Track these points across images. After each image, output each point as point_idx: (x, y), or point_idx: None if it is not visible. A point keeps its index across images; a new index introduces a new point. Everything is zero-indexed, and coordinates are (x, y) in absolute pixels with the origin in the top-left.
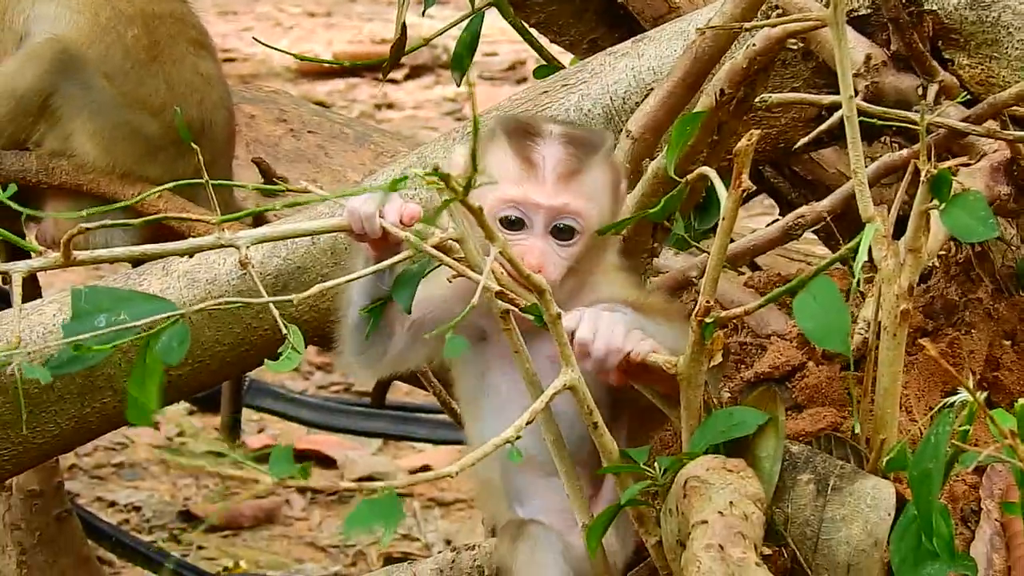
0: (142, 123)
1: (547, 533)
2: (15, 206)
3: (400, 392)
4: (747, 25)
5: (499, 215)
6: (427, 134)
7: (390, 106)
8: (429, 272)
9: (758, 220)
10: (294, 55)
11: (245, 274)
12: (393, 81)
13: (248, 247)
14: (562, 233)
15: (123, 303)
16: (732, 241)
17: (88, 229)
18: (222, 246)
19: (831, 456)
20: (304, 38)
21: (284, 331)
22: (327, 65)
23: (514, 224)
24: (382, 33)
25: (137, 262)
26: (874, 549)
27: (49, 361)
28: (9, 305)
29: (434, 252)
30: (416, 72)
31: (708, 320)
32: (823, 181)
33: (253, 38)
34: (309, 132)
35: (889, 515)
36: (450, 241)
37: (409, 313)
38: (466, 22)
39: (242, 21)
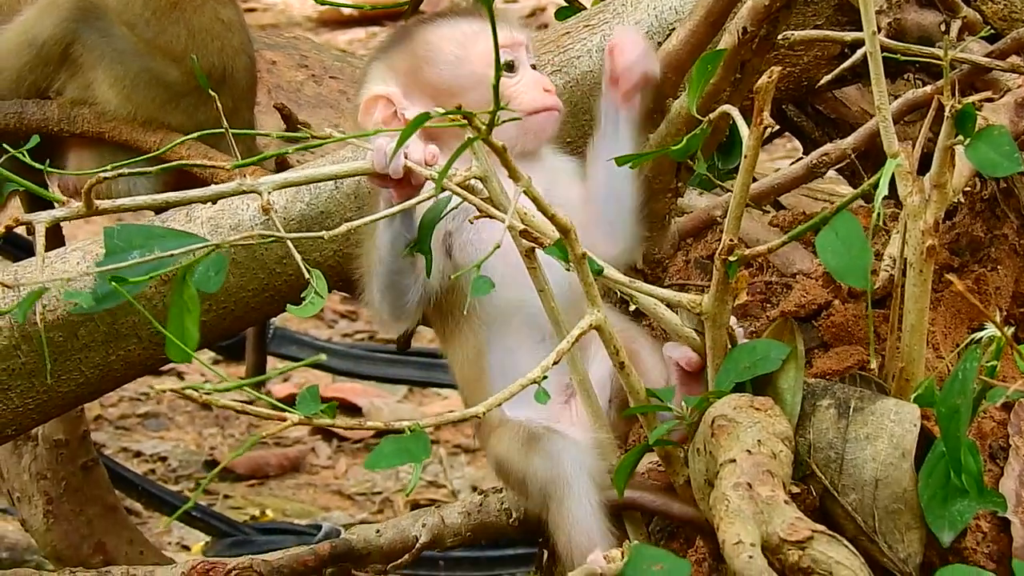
0: (163, 70)
1: (565, 444)
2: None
3: (424, 339)
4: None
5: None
6: None
7: None
8: (447, 213)
9: (781, 163)
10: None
11: (268, 219)
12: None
13: (270, 192)
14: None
15: (155, 239)
16: (755, 180)
17: (107, 178)
18: (244, 192)
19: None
20: None
21: (307, 275)
22: (348, 13)
23: (511, 68)
24: None
25: (160, 209)
26: (902, 460)
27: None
28: (32, 254)
29: (458, 190)
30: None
31: (732, 258)
32: (846, 119)
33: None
34: (331, 78)
35: (915, 426)
36: (474, 180)
37: (428, 256)
38: None
39: None
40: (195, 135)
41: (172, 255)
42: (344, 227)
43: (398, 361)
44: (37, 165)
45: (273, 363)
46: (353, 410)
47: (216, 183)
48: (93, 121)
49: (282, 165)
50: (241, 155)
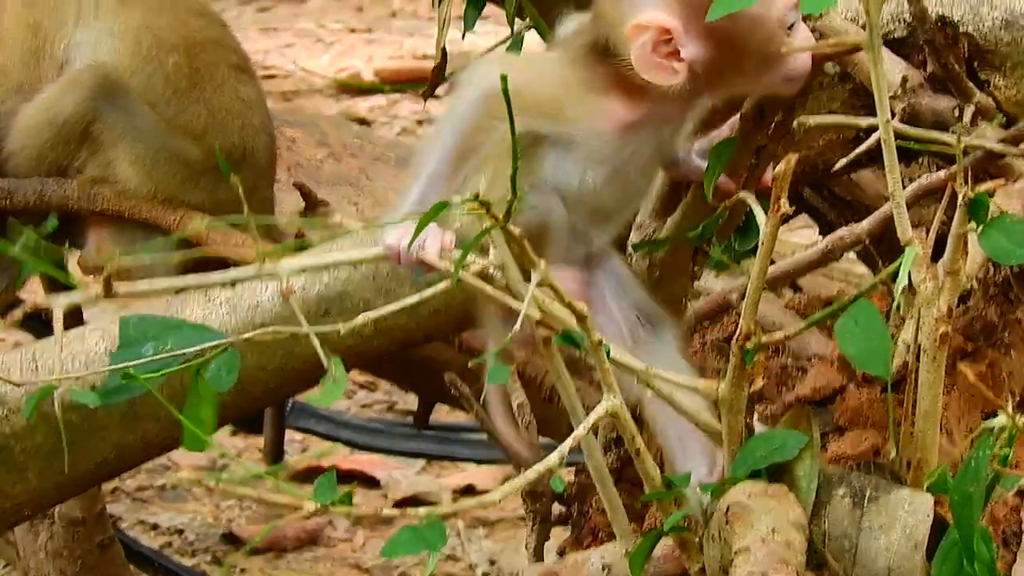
0: (184, 149)
1: None
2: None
3: (442, 412)
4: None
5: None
6: None
7: (431, 122)
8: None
9: (800, 233)
10: (338, 81)
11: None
12: (434, 97)
13: (289, 277)
14: None
15: (170, 332)
16: (773, 262)
17: (128, 264)
18: (263, 277)
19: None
20: (345, 53)
21: (325, 363)
22: (368, 80)
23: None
24: (423, 48)
25: (179, 291)
26: (914, 552)
27: (98, 389)
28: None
29: (475, 281)
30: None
31: (749, 345)
32: (862, 201)
33: (299, 68)
34: (350, 155)
35: (928, 517)
36: (492, 269)
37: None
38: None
39: (283, 38)
40: (214, 222)
41: (184, 353)
42: (361, 319)
43: (416, 435)
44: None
45: (291, 436)
46: (371, 482)
47: (235, 260)
48: (113, 199)
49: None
50: (260, 233)
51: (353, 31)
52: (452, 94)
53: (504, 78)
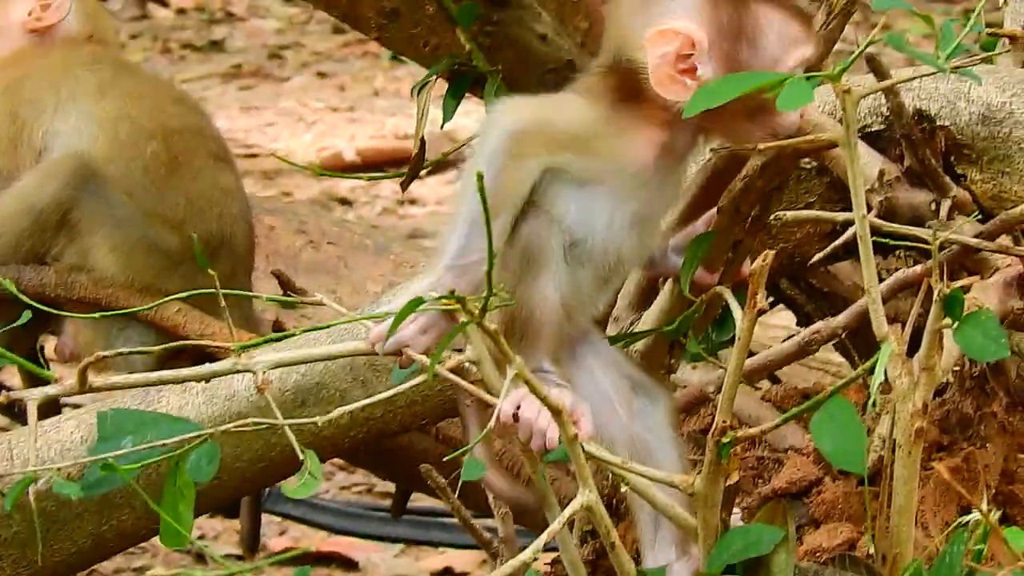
0: (161, 237)
1: None
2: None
3: (420, 498)
4: (761, 146)
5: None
6: None
7: (412, 202)
8: None
9: (779, 315)
10: (316, 171)
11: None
12: (423, 169)
13: (266, 372)
14: None
15: (148, 425)
16: (750, 355)
17: (105, 357)
18: (239, 371)
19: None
20: (327, 132)
21: (301, 456)
22: (350, 159)
23: None
24: (405, 128)
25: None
26: None
27: (75, 479)
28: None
29: (451, 376)
30: (439, 167)
31: (725, 440)
32: (839, 293)
33: (273, 155)
34: (329, 243)
35: None
36: (467, 364)
37: None
38: None
39: (265, 116)
40: (185, 295)
41: (164, 444)
42: (337, 412)
43: (394, 520)
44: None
45: (269, 518)
46: (349, 565)
47: (212, 350)
48: (91, 287)
49: (278, 330)
50: (237, 321)
51: (335, 110)
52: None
53: (480, 176)
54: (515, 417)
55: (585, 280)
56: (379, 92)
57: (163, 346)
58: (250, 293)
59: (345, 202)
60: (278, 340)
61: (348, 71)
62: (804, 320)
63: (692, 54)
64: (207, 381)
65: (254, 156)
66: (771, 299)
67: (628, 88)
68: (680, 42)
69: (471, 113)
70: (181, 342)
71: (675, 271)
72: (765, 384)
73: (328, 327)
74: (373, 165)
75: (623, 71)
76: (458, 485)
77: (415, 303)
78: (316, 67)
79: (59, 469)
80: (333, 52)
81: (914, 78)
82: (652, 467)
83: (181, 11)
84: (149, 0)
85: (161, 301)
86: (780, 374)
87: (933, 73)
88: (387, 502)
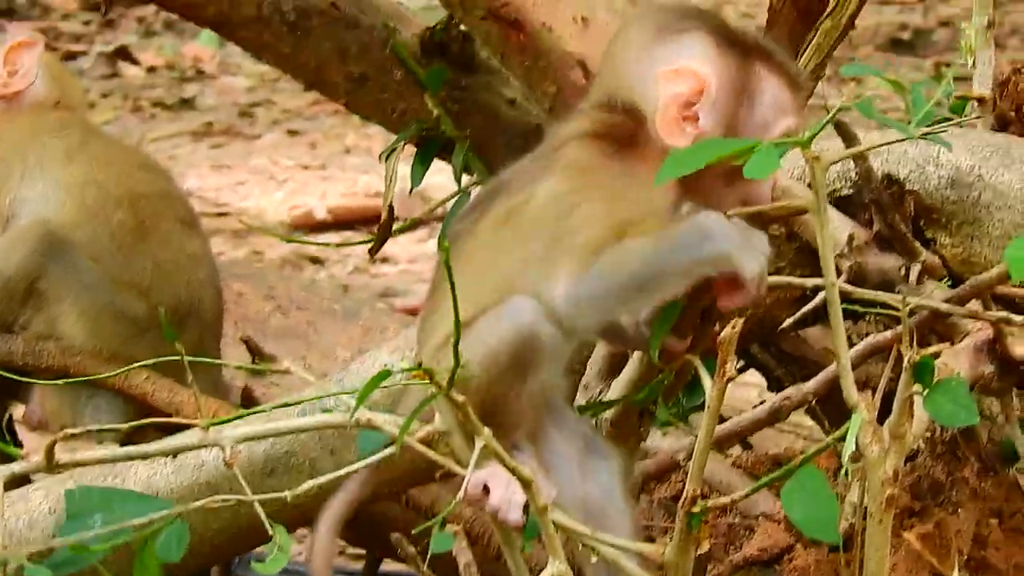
0: (129, 304)
1: None
2: None
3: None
4: (730, 212)
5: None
6: (421, 288)
7: (384, 260)
8: None
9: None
10: (283, 238)
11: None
12: (392, 235)
13: (233, 446)
14: None
15: (116, 502)
16: (721, 421)
17: (73, 436)
18: (207, 446)
19: None
20: (298, 191)
21: (270, 531)
22: (321, 218)
23: None
24: (376, 186)
25: (124, 443)
26: None
27: (47, 561)
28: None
29: (420, 447)
30: (413, 226)
31: (696, 510)
32: (810, 357)
33: (241, 220)
34: (298, 308)
35: None
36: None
37: None
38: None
39: (236, 175)
40: (151, 361)
41: (134, 524)
42: (307, 485)
43: None
44: None
45: None
46: None
47: (180, 417)
48: (59, 355)
49: (248, 398)
50: (206, 387)
51: (306, 168)
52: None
53: (447, 250)
54: (485, 489)
55: (565, 357)
56: (350, 150)
57: (130, 424)
58: (218, 360)
59: (316, 261)
60: (247, 415)
61: (319, 129)
62: (775, 384)
63: (697, 102)
64: (174, 457)
65: (225, 215)
66: (741, 364)
67: (617, 135)
68: (692, 85)
69: (443, 171)
70: (149, 419)
71: (645, 345)
72: (736, 449)
73: (297, 404)
74: (344, 223)
75: (617, 114)
76: (427, 555)
77: (381, 376)
78: (287, 125)
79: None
80: (304, 110)
81: (883, 144)
82: (605, 526)
83: (152, 69)
84: (120, 58)
85: (129, 368)
86: (752, 438)
87: (902, 140)
88: (359, 565)
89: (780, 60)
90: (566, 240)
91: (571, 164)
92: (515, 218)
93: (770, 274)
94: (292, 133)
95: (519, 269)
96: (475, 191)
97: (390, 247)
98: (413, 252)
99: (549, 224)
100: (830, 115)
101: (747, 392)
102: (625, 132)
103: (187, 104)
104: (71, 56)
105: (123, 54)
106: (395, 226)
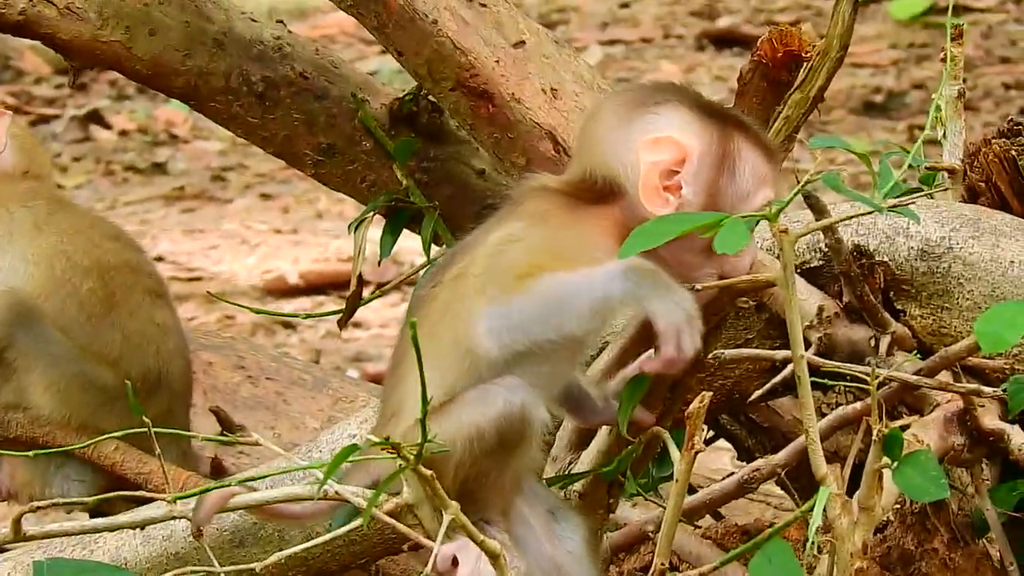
0: (98, 375)
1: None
2: None
3: None
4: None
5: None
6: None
7: (357, 325)
8: None
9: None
10: (252, 309)
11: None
12: (361, 304)
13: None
14: None
15: (86, 574)
16: (691, 492)
17: (39, 508)
18: (175, 518)
19: None
20: (271, 255)
21: None
22: (293, 282)
23: None
24: (348, 250)
25: (93, 512)
26: None
27: None
28: None
29: (387, 519)
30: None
31: None
32: (779, 428)
33: (208, 293)
34: (267, 378)
35: None
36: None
37: None
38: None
39: (208, 239)
40: (121, 433)
41: None
42: (275, 557)
43: None
44: None
45: None
46: None
47: (150, 487)
48: (27, 426)
49: (217, 468)
50: (175, 458)
51: (279, 232)
52: None
53: (413, 325)
54: (455, 562)
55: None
56: (323, 214)
57: (97, 497)
58: (187, 432)
59: (288, 325)
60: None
61: (292, 193)
62: (745, 454)
63: (679, 171)
64: (142, 529)
65: (197, 280)
66: (711, 434)
67: (579, 193)
68: (674, 154)
69: (415, 237)
70: (117, 493)
71: (614, 418)
72: (707, 519)
73: (265, 476)
74: (317, 288)
75: (594, 189)
76: None
77: (349, 450)
78: (259, 189)
79: None
80: (276, 174)
81: (851, 216)
82: None
83: (123, 133)
84: (92, 122)
85: (98, 440)
86: (721, 507)
87: (870, 212)
88: None
89: (756, 131)
90: (496, 274)
91: (528, 212)
92: (468, 271)
93: (739, 346)
94: (264, 197)
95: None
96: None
97: (362, 312)
98: (385, 316)
99: (489, 265)
100: (797, 189)
101: (720, 456)
102: (590, 192)
103: (159, 168)
104: (43, 120)
105: (95, 118)
106: (366, 293)
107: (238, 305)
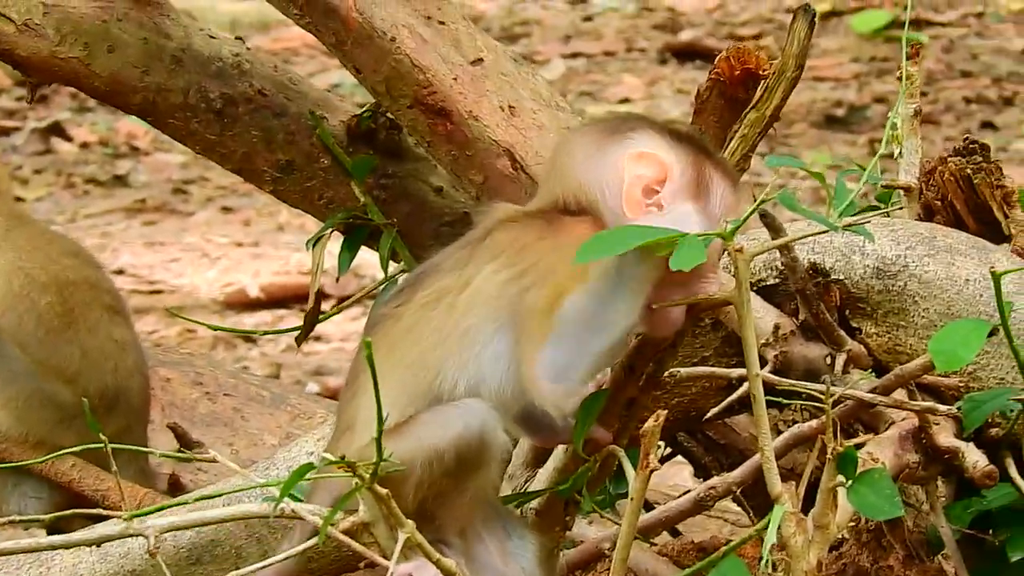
0: (56, 391)
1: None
2: None
3: None
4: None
5: None
6: None
7: (317, 338)
8: None
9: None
10: (210, 326)
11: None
12: (319, 320)
13: (157, 535)
14: None
15: None
16: (648, 509)
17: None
18: (130, 536)
19: None
20: (231, 268)
21: None
22: (254, 296)
23: None
24: (309, 264)
25: (50, 529)
26: None
27: None
28: None
29: (343, 538)
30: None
31: None
32: (736, 445)
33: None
34: (225, 395)
35: None
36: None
37: None
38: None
39: (169, 252)
40: (78, 448)
41: None
42: (233, 574)
43: None
44: None
45: None
46: None
47: (107, 504)
48: None
49: (175, 485)
50: (133, 475)
51: (240, 245)
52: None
53: (368, 344)
54: None
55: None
56: (284, 227)
57: (53, 515)
58: (145, 448)
59: (249, 339)
60: (172, 505)
61: (253, 206)
62: (701, 472)
63: (659, 190)
64: (98, 546)
65: (158, 292)
66: (668, 451)
67: (548, 216)
68: (656, 170)
69: (375, 253)
70: (73, 510)
71: (570, 437)
72: (663, 537)
73: (221, 495)
74: (277, 301)
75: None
76: None
77: (305, 468)
78: (221, 202)
79: None
80: (238, 187)
81: (807, 236)
82: None
83: (84, 145)
84: (53, 135)
85: (55, 455)
86: (678, 524)
87: (825, 231)
88: None
89: (723, 160)
90: (526, 327)
91: (506, 247)
92: (448, 302)
93: (695, 364)
94: (226, 210)
95: (457, 352)
96: (403, 277)
97: (323, 325)
98: (346, 330)
99: (493, 311)
100: (753, 207)
101: (679, 471)
102: (558, 212)
103: (120, 181)
104: (4, 132)
105: (56, 130)
106: (327, 307)
107: (196, 322)
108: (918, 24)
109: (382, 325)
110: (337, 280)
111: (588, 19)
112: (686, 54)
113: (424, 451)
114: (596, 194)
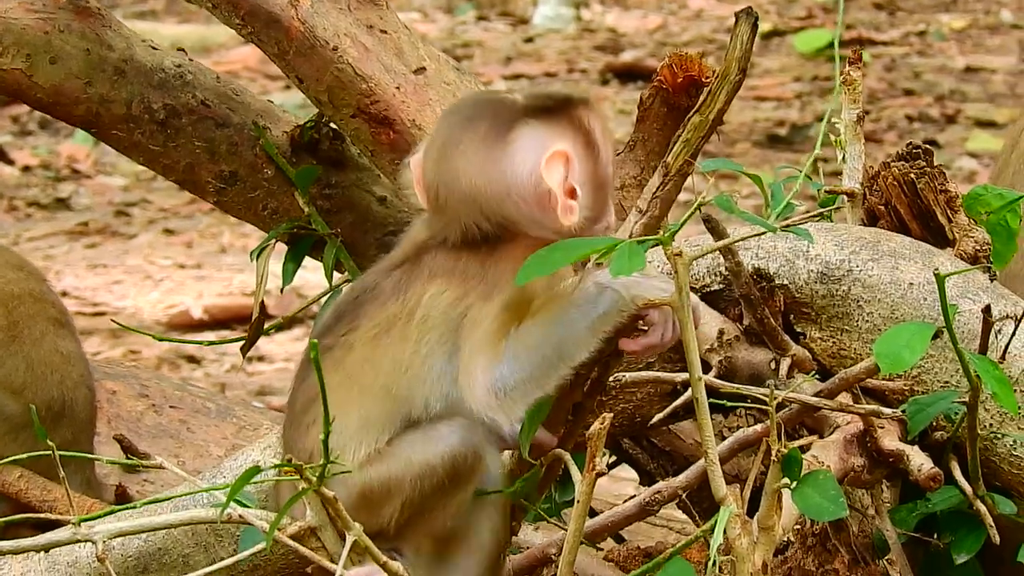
0: (2, 404)
1: None
2: None
3: None
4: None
5: None
6: None
7: (261, 359)
8: None
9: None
10: (157, 337)
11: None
12: (265, 333)
13: (105, 541)
14: None
15: None
16: (594, 515)
17: None
18: (79, 541)
19: None
20: (174, 290)
21: None
22: (198, 317)
23: None
24: (252, 285)
25: None
26: None
27: None
28: None
29: (291, 543)
30: (287, 324)
31: None
32: (680, 451)
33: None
34: (171, 407)
35: None
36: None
37: None
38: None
39: (112, 274)
40: (24, 456)
41: None
42: None
43: None
44: None
45: None
46: None
47: (53, 512)
48: None
49: (122, 496)
50: (80, 486)
51: (183, 267)
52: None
53: (314, 345)
54: None
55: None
56: (226, 249)
57: (3, 519)
58: (93, 455)
59: (193, 360)
60: (119, 510)
61: (195, 228)
62: (647, 479)
63: (575, 173)
64: (46, 552)
65: (101, 315)
66: (614, 459)
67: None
68: (562, 163)
69: (318, 268)
70: (22, 515)
71: (516, 442)
72: (609, 543)
73: (169, 499)
74: (221, 322)
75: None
76: None
77: (251, 472)
78: (163, 224)
79: None
80: (180, 208)
81: (745, 237)
82: None
83: (26, 168)
84: None
85: (1, 462)
86: (624, 531)
87: (763, 233)
88: None
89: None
90: (468, 345)
91: (441, 271)
92: (400, 330)
93: (640, 369)
94: (168, 232)
95: (425, 378)
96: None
97: (266, 346)
98: (289, 350)
99: (443, 334)
100: (690, 211)
101: (624, 488)
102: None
103: (62, 204)
104: None
105: None
106: (269, 324)
107: (142, 332)
108: (860, 43)
109: (331, 354)
110: (282, 291)
111: (529, 40)
112: (627, 74)
113: (415, 468)
114: (512, 212)
